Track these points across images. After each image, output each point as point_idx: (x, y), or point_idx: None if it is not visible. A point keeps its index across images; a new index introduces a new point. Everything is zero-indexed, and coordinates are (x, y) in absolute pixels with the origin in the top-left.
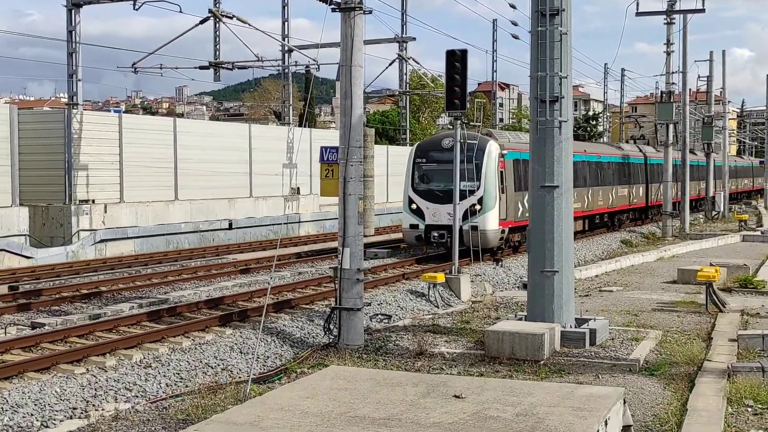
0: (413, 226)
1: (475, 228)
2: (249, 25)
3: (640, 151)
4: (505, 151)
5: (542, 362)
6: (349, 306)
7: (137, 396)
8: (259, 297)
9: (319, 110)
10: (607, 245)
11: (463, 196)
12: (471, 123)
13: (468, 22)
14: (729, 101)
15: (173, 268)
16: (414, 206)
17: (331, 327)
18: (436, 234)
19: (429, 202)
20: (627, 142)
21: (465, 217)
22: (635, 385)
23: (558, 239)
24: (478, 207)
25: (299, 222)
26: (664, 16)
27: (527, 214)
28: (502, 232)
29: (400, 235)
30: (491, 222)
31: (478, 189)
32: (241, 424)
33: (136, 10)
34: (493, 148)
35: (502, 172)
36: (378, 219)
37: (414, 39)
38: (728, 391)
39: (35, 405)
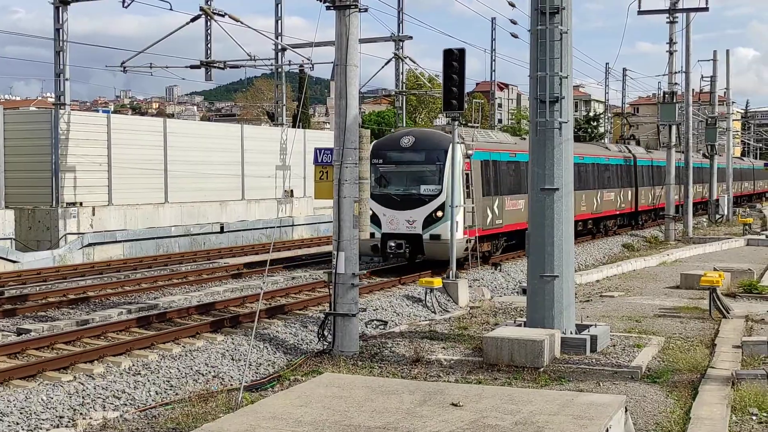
0: (369, 235)
1: (436, 237)
2: (241, 23)
3: (629, 152)
4: (471, 151)
5: (542, 369)
6: (343, 311)
7: (126, 404)
8: (252, 302)
9: (313, 111)
10: (608, 249)
11: (422, 202)
12: (469, 124)
13: (466, 20)
14: (733, 102)
15: (163, 272)
16: (369, 212)
17: (326, 333)
18: (393, 244)
19: (386, 208)
20: (616, 142)
21: (425, 226)
22: (637, 392)
23: (558, 243)
24: (439, 214)
25: (293, 225)
26: (667, 15)
27: (498, 221)
28: (468, 241)
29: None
30: (455, 230)
31: (439, 194)
32: None
33: (126, 7)
34: (457, 148)
35: (468, 174)
36: None
37: (411, 38)
38: (732, 399)
39: (21, 413)
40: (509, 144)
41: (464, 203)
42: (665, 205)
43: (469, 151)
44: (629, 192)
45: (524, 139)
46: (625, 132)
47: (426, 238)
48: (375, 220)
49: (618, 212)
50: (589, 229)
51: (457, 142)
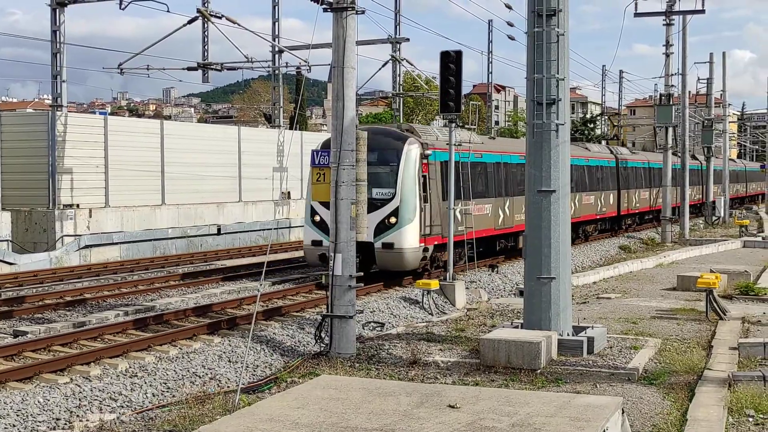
0: (316, 243)
1: (389, 246)
2: (238, 25)
3: (611, 152)
4: (429, 152)
5: (539, 371)
6: (340, 313)
7: (123, 406)
8: (249, 304)
9: (310, 112)
10: (605, 251)
11: (374, 207)
12: (466, 126)
13: (463, 23)
14: (729, 104)
15: (160, 274)
16: (317, 218)
17: (323, 335)
18: None
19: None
20: (599, 142)
21: (378, 233)
22: (634, 394)
23: (555, 245)
24: (393, 220)
25: (290, 227)
26: (664, 17)
27: (461, 228)
28: (425, 250)
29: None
30: (409, 238)
31: (392, 198)
32: None
33: (123, 9)
34: (412, 148)
35: (425, 176)
36: None
37: (408, 40)
38: (729, 400)
39: (17, 416)
40: (476, 144)
41: (421, 208)
42: (662, 207)
43: (427, 151)
44: (611, 195)
45: (493, 138)
46: (608, 131)
47: (378, 247)
48: (323, 226)
49: (599, 216)
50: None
51: (414, 142)
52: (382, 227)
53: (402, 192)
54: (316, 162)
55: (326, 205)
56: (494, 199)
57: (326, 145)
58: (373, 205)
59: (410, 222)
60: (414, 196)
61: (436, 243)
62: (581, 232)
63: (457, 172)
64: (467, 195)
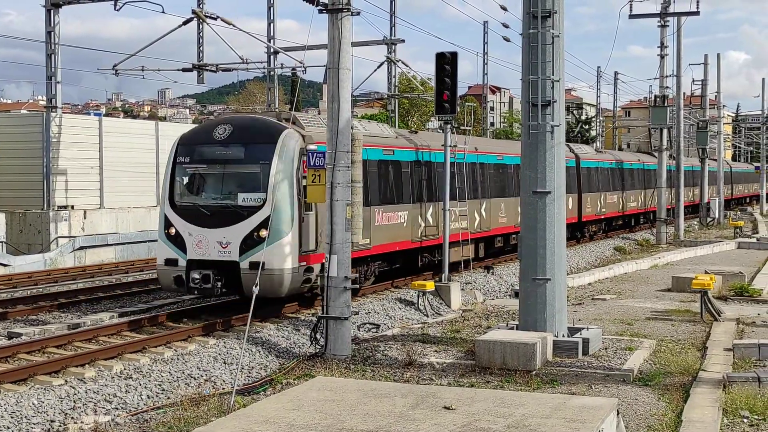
0: (170, 262)
1: (258, 266)
2: (233, 26)
3: (572, 151)
4: (313, 145)
5: (534, 372)
6: (336, 315)
7: (117, 408)
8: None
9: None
10: (599, 252)
11: (239, 217)
12: (461, 127)
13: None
14: (724, 105)
15: (155, 276)
16: (172, 230)
17: (318, 337)
18: (197, 276)
19: (192, 224)
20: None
21: (244, 250)
22: (629, 395)
23: (550, 246)
24: (263, 233)
25: None
26: (658, 19)
27: (365, 241)
28: (308, 270)
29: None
30: (283, 256)
31: (263, 205)
32: None
33: (117, 10)
34: (290, 142)
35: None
36: None
37: (403, 41)
38: (724, 401)
39: (12, 417)
40: (386, 138)
41: (300, 218)
42: (656, 208)
43: (311, 145)
44: (570, 199)
45: (416, 132)
46: (573, 127)
47: (244, 268)
48: (179, 241)
49: None
50: (512, 243)
51: (293, 134)
52: (250, 242)
53: (275, 197)
54: (311, 163)
55: (184, 213)
56: (411, 204)
57: (187, 140)
58: (237, 214)
59: (285, 235)
60: (290, 203)
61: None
62: None
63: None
64: (373, 200)
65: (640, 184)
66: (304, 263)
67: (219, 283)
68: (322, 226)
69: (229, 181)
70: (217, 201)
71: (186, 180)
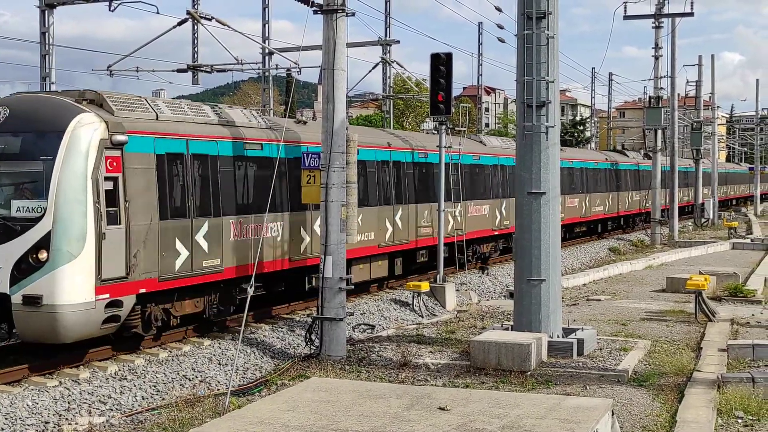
0: None
1: (36, 301)
2: (228, 27)
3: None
4: (123, 136)
5: (529, 373)
6: (331, 316)
7: (112, 409)
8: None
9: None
10: (594, 253)
11: (11, 232)
12: (457, 128)
13: (453, 25)
14: (718, 106)
15: None
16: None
17: (313, 338)
18: None
19: None
20: (497, 136)
21: (17, 278)
22: (624, 396)
23: (545, 247)
24: (42, 255)
25: None
26: (653, 20)
27: (213, 262)
28: (114, 305)
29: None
30: (70, 287)
31: (43, 216)
32: None
33: (112, 11)
34: (84, 130)
35: (115, 179)
36: None
37: (398, 42)
38: (718, 402)
39: (6, 419)
40: (249, 128)
41: (99, 233)
42: (651, 209)
43: (119, 136)
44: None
45: (305, 123)
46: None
47: (17, 303)
48: None
49: (497, 232)
50: (448, 257)
51: (91, 120)
52: (25, 267)
53: (58, 205)
54: (307, 164)
55: None
56: (289, 213)
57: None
58: (9, 228)
59: (73, 257)
60: (82, 213)
61: (144, 291)
62: (472, 252)
63: (206, 172)
64: (227, 209)
65: (608, 186)
66: (106, 295)
67: None
68: (139, 244)
69: (1, 184)
70: None
71: None
